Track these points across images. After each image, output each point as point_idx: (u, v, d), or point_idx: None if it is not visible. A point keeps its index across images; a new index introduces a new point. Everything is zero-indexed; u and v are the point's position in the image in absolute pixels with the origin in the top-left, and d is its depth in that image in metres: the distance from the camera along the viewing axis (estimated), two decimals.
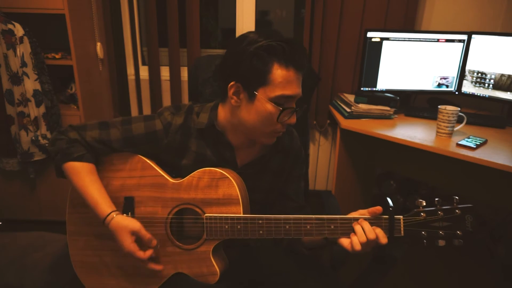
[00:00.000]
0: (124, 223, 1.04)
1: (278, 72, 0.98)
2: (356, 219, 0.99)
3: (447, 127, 1.78)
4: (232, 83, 1.02)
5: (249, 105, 1.02)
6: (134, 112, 2.68)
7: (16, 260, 1.38)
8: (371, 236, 0.95)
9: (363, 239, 0.96)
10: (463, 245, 0.97)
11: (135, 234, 1.04)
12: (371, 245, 0.97)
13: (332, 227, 1.00)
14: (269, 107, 1.00)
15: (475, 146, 1.66)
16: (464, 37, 2.19)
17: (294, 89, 1.01)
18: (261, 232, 1.03)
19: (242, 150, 1.15)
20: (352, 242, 0.97)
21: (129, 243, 1.03)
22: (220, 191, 1.06)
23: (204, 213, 1.07)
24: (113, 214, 1.05)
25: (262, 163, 1.17)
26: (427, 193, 2.70)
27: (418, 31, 2.35)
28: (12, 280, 1.31)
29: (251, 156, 1.16)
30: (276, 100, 1.00)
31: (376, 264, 1.29)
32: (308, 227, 1.01)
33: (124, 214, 1.10)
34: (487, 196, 2.19)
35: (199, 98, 1.48)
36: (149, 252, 1.05)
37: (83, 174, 1.09)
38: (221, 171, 1.07)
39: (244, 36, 1.02)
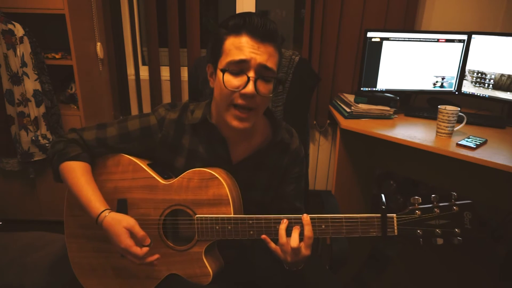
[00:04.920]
0: (118, 219, 1.02)
1: (229, 41, 0.98)
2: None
3: (447, 127, 1.77)
4: (208, 65, 1.06)
5: (215, 81, 1.03)
6: (134, 112, 2.68)
7: (16, 260, 1.38)
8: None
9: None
10: (463, 243, 0.93)
11: (129, 230, 1.01)
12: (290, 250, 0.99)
13: (323, 226, 0.99)
14: (220, 75, 0.99)
15: (475, 146, 1.66)
16: (464, 37, 2.18)
17: (243, 54, 0.96)
18: (251, 232, 1.03)
19: (237, 145, 1.14)
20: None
21: (124, 238, 0.99)
22: (210, 191, 1.06)
23: (195, 214, 1.07)
24: (106, 212, 1.03)
25: (258, 158, 1.15)
26: (427, 193, 2.68)
27: (418, 31, 2.34)
28: (12, 280, 1.31)
29: (247, 151, 1.15)
30: (226, 68, 0.98)
31: (370, 262, 1.28)
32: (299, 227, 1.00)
33: None
34: (487, 196, 2.18)
35: (199, 98, 1.47)
36: (145, 249, 1.00)
37: (78, 174, 1.09)
38: (210, 171, 1.06)
39: None
